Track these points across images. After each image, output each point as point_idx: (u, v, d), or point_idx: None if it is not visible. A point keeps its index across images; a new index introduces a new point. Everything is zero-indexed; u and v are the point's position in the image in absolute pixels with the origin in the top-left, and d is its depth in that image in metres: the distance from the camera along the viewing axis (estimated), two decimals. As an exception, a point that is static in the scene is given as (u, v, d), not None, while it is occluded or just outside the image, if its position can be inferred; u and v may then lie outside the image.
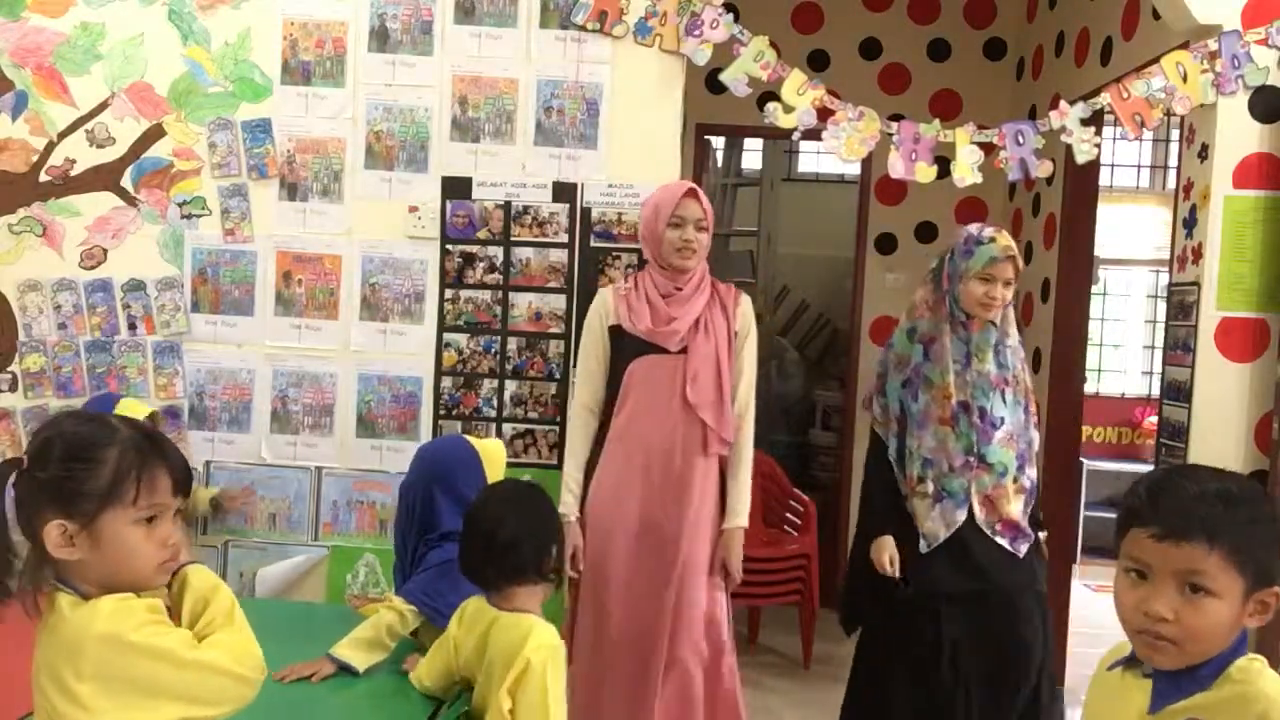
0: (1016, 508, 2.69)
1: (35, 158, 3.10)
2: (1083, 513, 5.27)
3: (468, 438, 2.46)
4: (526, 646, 1.79)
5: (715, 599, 2.74)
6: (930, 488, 2.68)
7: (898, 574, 2.68)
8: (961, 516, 2.65)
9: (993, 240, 2.67)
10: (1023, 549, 2.67)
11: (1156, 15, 3.38)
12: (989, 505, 2.67)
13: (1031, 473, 2.74)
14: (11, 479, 1.30)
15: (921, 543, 2.68)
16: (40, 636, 1.31)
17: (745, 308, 2.81)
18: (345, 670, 2.09)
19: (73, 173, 3.10)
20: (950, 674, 2.64)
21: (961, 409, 2.67)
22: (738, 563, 2.73)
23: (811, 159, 7.27)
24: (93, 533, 1.28)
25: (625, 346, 2.74)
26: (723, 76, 3.05)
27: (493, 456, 2.38)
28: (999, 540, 2.66)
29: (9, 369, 3.14)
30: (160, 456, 1.33)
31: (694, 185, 2.80)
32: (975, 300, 2.66)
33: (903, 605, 2.68)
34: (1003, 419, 2.68)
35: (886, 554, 2.69)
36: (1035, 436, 2.76)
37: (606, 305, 2.79)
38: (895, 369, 2.79)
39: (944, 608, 2.64)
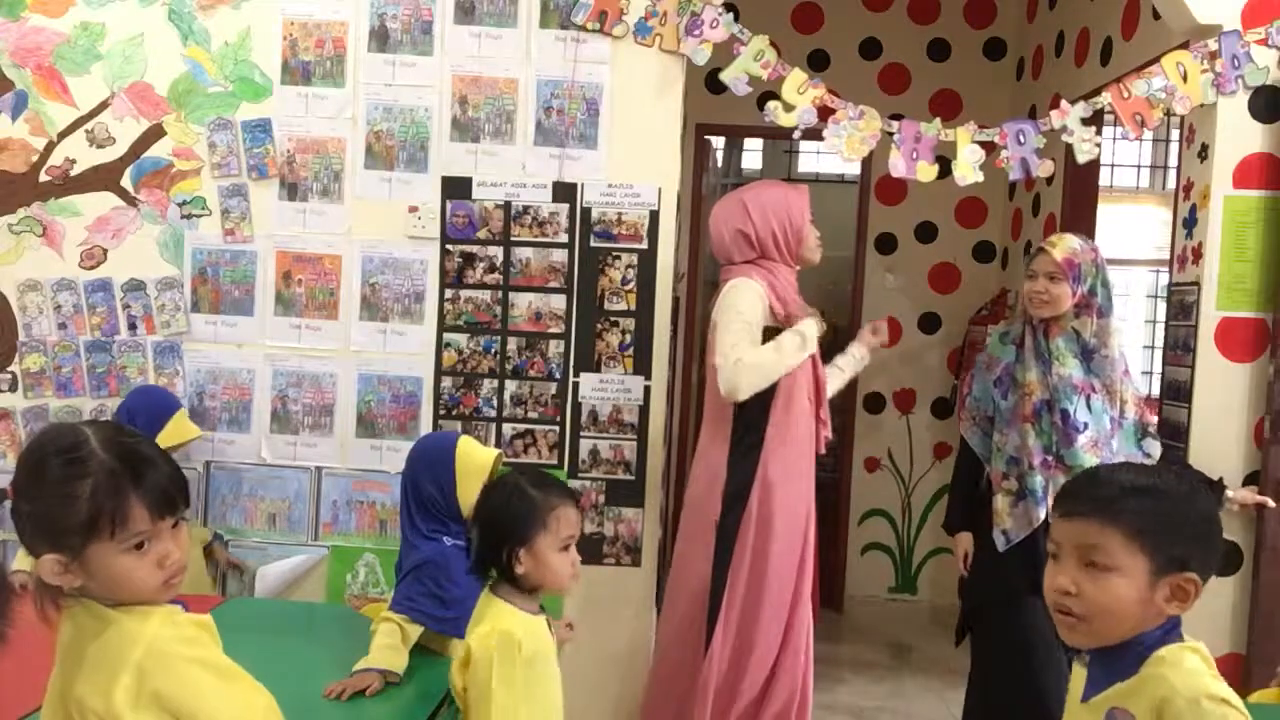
0: None
1: (35, 158, 3.11)
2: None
3: (462, 437, 2.41)
4: (474, 633, 1.80)
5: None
6: (1015, 485, 2.75)
7: (966, 570, 2.84)
8: (1042, 514, 2.69)
9: (1048, 240, 2.80)
10: None
11: (1156, 15, 3.38)
12: None
13: None
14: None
15: (1000, 539, 2.74)
16: (70, 649, 1.29)
17: None
18: (388, 679, 2.07)
19: (73, 173, 3.10)
20: (1037, 666, 2.68)
21: (1044, 407, 2.73)
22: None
23: (811, 159, 7.27)
24: (84, 563, 1.26)
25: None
26: (723, 76, 3.05)
27: (470, 460, 2.31)
28: None
29: (9, 369, 3.14)
30: (135, 484, 1.27)
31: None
32: (1027, 298, 2.77)
33: (987, 601, 2.80)
34: (1086, 424, 2.70)
35: (962, 549, 2.87)
36: (1132, 448, 2.76)
37: (766, 304, 2.75)
38: (986, 369, 2.89)
39: (1024, 603, 2.68)
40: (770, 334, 2.72)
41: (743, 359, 2.64)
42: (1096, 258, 2.77)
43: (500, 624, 1.79)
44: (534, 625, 1.84)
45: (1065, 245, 2.76)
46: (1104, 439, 2.73)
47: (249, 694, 1.37)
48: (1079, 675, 1.38)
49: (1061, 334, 2.76)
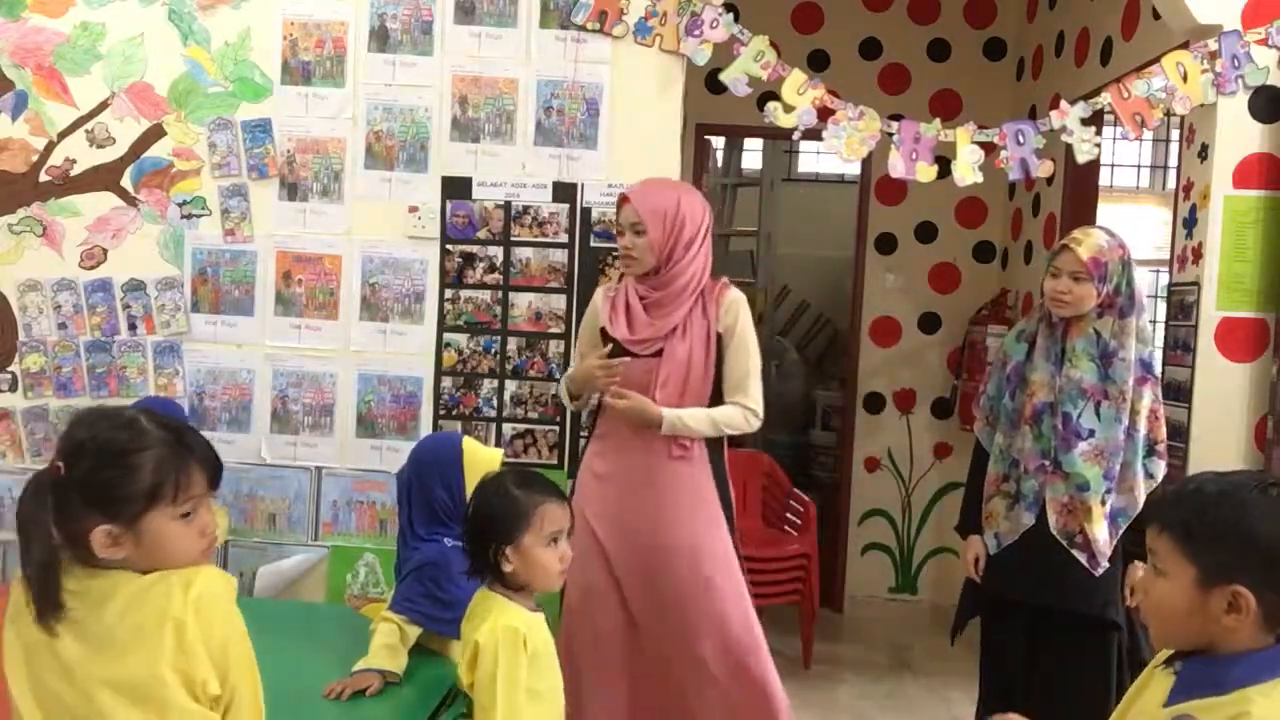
0: (1100, 528, 2.54)
1: (35, 158, 3.11)
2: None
3: (464, 438, 2.43)
4: (480, 630, 1.81)
5: (710, 601, 2.58)
6: (1013, 488, 2.66)
7: (979, 575, 2.72)
8: (1029, 520, 2.60)
9: (1073, 236, 2.64)
10: (1099, 570, 2.55)
11: (1156, 15, 3.38)
12: (1066, 515, 2.57)
13: (1120, 500, 2.58)
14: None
15: (992, 542, 2.68)
16: (112, 618, 1.33)
17: (729, 304, 2.63)
18: (387, 679, 2.08)
19: (73, 173, 3.10)
20: (1017, 677, 2.66)
21: (1046, 409, 2.60)
22: (625, 402, 2.53)
23: (811, 159, 7.26)
24: (137, 532, 1.34)
25: (611, 349, 2.63)
26: (723, 76, 3.05)
27: (477, 461, 2.31)
28: (1076, 554, 2.55)
29: (9, 369, 3.14)
30: (192, 453, 1.39)
31: (637, 188, 2.67)
32: (1049, 297, 2.61)
33: (983, 605, 2.76)
34: (1091, 431, 2.55)
35: (972, 553, 2.74)
36: (1138, 465, 2.58)
37: (597, 306, 2.72)
38: (999, 367, 2.79)
39: (1012, 613, 2.66)
40: (605, 340, 2.64)
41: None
42: (1124, 255, 2.60)
43: (506, 620, 1.81)
44: (535, 622, 1.86)
45: (1091, 242, 2.58)
46: (1111, 449, 2.56)
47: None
48: (1164, 678, 1.37)
49: (1081, 335, 2.60)
